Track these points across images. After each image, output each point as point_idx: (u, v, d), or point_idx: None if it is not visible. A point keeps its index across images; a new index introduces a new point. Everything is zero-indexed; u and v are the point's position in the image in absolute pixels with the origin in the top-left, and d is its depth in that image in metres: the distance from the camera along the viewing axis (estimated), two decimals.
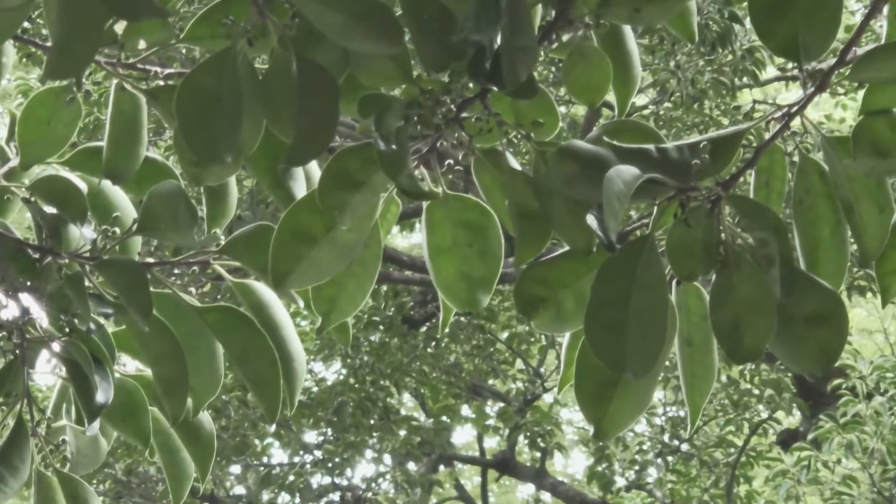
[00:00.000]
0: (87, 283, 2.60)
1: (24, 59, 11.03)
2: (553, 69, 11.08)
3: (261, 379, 2.64)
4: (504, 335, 13.75)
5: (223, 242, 2.63)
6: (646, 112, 11.69)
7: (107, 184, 2.68)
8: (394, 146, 2.01)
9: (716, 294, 2.12)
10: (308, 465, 12.83)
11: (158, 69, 2.56)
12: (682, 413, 12.97)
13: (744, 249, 2.10)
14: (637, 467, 13.07)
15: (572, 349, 2.25)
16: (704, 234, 2.11)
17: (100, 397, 2.57)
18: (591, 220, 2.02)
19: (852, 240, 2.28)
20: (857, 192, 2.24)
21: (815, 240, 2.28)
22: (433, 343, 13.17)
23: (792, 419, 13.66)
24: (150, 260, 2.66)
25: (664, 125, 11.46)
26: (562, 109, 12.09)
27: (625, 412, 2.20)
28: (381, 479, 13.01)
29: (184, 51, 9.73)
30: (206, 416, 2.81)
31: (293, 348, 2.66)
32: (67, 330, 2.61)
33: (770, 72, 12.20)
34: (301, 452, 12.92)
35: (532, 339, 13.76)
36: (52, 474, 2.76)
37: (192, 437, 2.83)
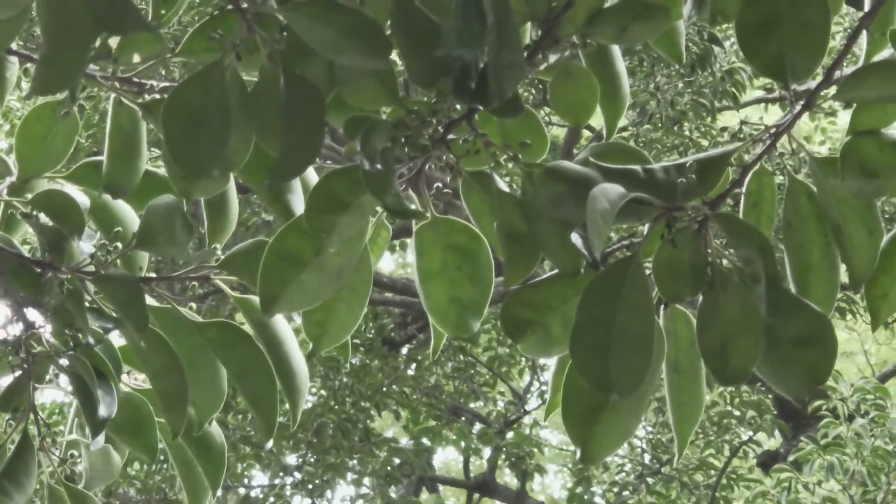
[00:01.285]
0: (87, 297, 2.59)
1: None
2: (533, 91, 11.07)
3: (259, 395, 2.62)
4: (485, 357, 13.71)
5: (222, 258, 2.62)
6: (625, 134, 11.70)
7: (110, 197, 2.67)
8: (378, 166, 1.99)
9: (703, 315, 2.10)
10: (288, 487, 12.77)
11: (154, 83, 2.55)
12: (662, 436, 12.95)
13: (731, 271, 2.08)
14: (617, 489, 13.04)
15: (559, 375, 2.22)
16: (691, 254, 2.10)
17: (102, 411, 2.57)
18: (575, 238, 2.00)
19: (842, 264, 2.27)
20: (846, 215, 2.23)
21: (804, 263, 2.26)
22: (414, 365, 13.14)
23: (772, 441, 13.65)
24: (152, 275, 2.65)
25: (644, 147, 11.46)
26: None
27: (612, 436, 2.18)
28: (361, 501, 12.96)
29: (163, 71, 9.70)
30: (216, 429, 2.80)
31: (295, 364, 2.64)
32: (72, 344, 2.61)
33: (750, 94, 12.22)
34: (281, 474, 12.86)
35: (512, 361, 13.73)
36: (62, 488, 2.76)
37: (202, 450, 2.81)
